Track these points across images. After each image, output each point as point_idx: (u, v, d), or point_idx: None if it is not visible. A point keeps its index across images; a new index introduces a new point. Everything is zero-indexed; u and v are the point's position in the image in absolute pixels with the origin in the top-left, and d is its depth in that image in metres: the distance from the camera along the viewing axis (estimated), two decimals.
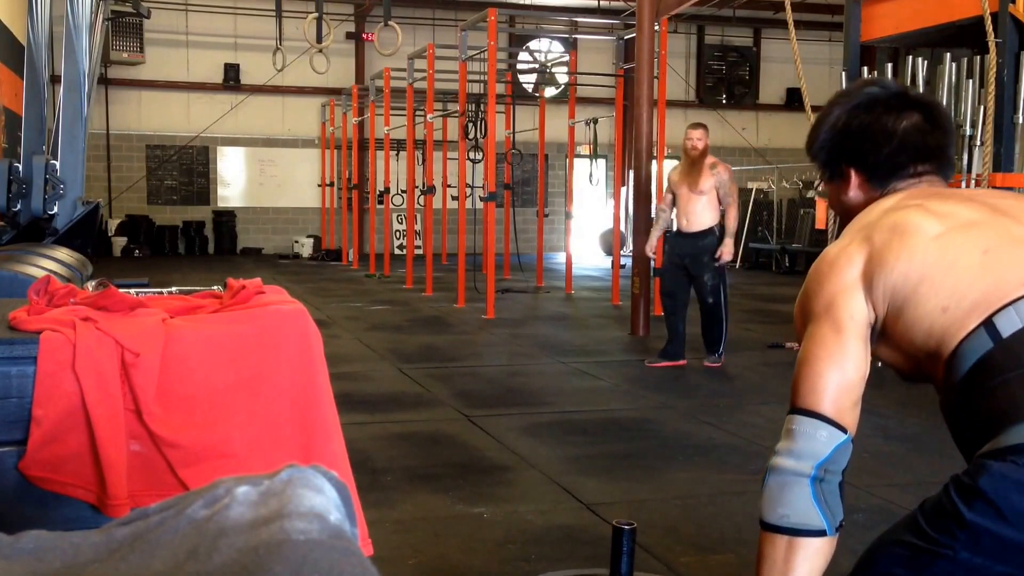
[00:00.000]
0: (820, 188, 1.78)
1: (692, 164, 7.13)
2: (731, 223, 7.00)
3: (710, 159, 7.14)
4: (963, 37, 7.40)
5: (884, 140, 1.68)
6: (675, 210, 7.35)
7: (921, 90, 6.89)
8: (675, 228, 7.44)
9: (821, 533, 1.51)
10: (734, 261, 17.73)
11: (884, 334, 1.56)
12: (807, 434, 1.53)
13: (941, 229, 1.52)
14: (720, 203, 7.07)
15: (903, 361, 1.54)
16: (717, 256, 6.96)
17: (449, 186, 15.65)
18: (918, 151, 1.68)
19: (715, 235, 7.04)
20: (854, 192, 1.73)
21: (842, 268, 1.54)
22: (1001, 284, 1.46)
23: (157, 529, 0.83)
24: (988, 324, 1.44)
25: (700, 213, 7.05)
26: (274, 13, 15.76)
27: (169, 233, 19.49)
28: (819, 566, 1.55)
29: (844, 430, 1.53)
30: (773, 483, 1.57)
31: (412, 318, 9.90)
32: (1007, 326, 1.43)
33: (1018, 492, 1.33)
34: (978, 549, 1.39)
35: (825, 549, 1.54)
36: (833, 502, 1.54)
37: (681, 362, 7.16)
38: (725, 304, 7.19)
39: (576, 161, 14.06)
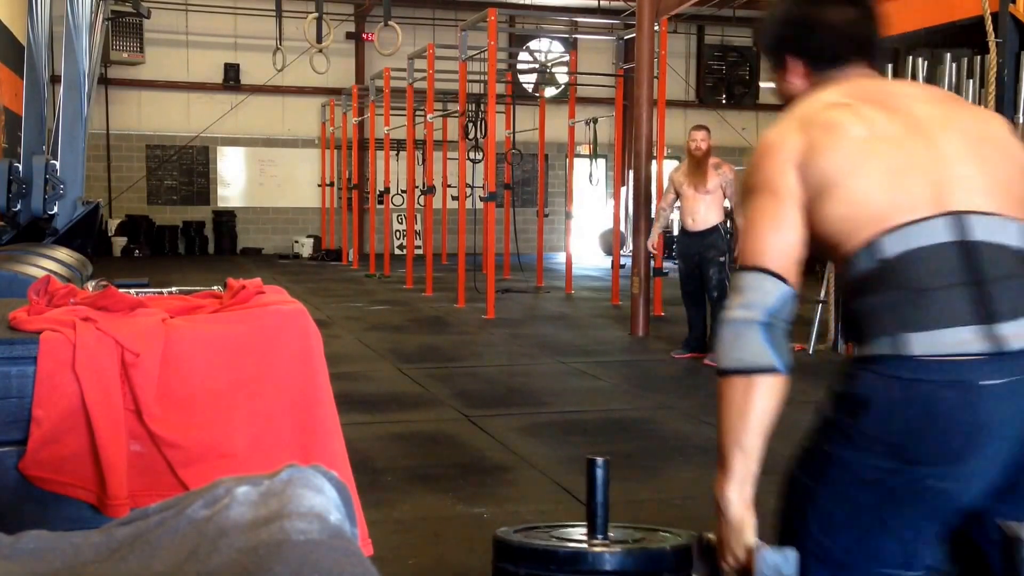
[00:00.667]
0: (782, 83, 1.83)
1: (697, 165, 7.24)
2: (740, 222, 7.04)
3: (714, 159, 7.28)
4: (963, 37, 7.39)
5: (822, 29, 1.84)
6: (677, 210, 7.45)
7: None
8: (679, 228, 7.56)
9: (774, 370, 1.62)
10: (734, 261, 17.75)
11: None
12: (755, 287, 1.66)
13: (864, 135, 1.66)
14: (726, 201, 7.26)
15: (811, 245, 1.71)
16: (735, 254, 7.06)
17: (449, 186, 15.65)
18: (852, 39, 1.83)
19: (720, 232, 7.23)
20: (798, 80, 1.88)
21: (781, 150, 1.69)
22: (896, 207, 1.60)
23: (157, 529, 0.83)
24: (876, 242, 1.60)
25: (706, 212, 7.21)
26: (274, 13, 15.77)
27: (169, 233, 19.49)
28: (775, 401, 1.66)
29: (788, 283, 1.67)
30: (728, 333, 1.66)
31: (412, 318, 9.90)
32: (891, 248, 1.59)
33: (877, 393, 1.55)
34: (854, 446, 1.61)
35: (779, 386, 1.65)
36: (782, 346, 1.66)
37: (702, 355, 7.27)
38: (694, 302, 7.41)
39: (576, 161, 14.06)
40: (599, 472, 1.81)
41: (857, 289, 1.65)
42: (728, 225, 7.47)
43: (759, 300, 1.65)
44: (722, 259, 7.18)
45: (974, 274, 1.57)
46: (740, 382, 1.65)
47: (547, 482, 4.20)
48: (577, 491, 4.05)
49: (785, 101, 1.91)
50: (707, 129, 7.49)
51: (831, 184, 1.64)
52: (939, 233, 1.59)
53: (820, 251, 1.73)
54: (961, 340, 1.54)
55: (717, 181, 7.17)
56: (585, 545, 1.77)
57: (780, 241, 1.68)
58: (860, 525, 1.62)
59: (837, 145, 1.65)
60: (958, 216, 1.60)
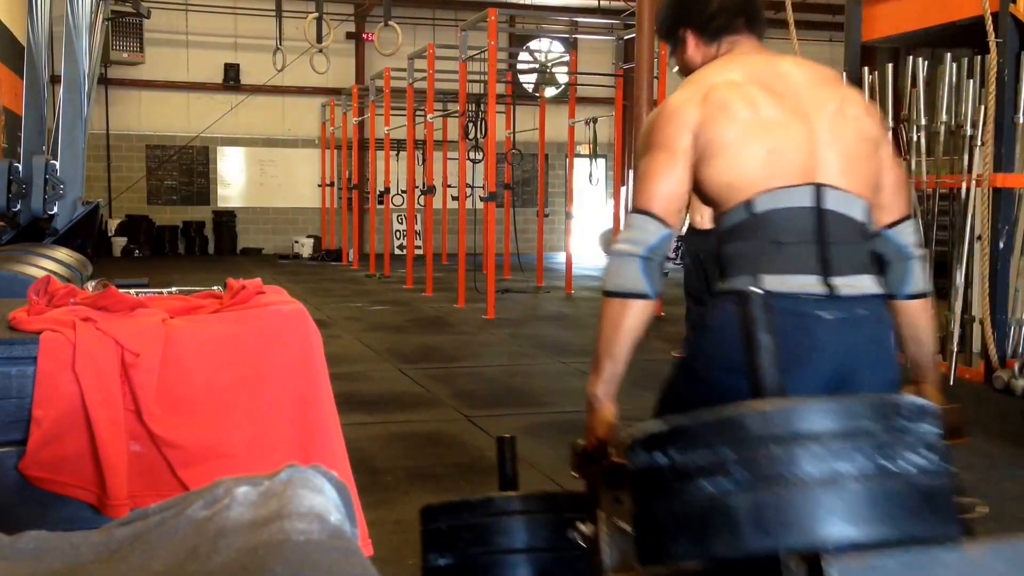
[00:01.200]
0: (675, 70, 1.92)
1: None
2: None
3: None
4: (964, 37, 7.39)
5: (712, 3, 2.14)
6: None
7: (922, 90, 6.89)
8: (687, 226, 7.60)
9: (646, 296, 1.97)
10: None
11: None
12: (640, 227, 1.97)
13: (750, 117, 1.97)
14: None
15: (695, 195, 2.06)
16: None
17: (449, 186, 15.64)
18: (739, 11, 2.13)
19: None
20: (692, 52, 2.17)
21: (681, 116, 1.99)
22: (771, 175, 1.95)
23: (157, 529, 0.83)
24: (751, 200, 1.95)
25: (705, 211, 7.20)
26: (274, 13, 15.77)
27: (169, 233, 19.49)
28: (642, 321, 2.02)
29: (669, 226, 1.97)
30: (613, 262, 1.99)
31: (412, 318, 9.90)
32: (762, 205, 1.94)
33: (731, 320, 1.70)
34: (708, 362, 2.01)
35: (648, 309, 2.01)
36: (655, 277, 1.98)
37: None
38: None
39: (576, 161, 14.06)
40: (507, 447, 2.12)
41: (729, 236, 2.00)
42: None
43: (642, 238, 1.96)
44: None
45: (821, 236, 1.94)
46: (617, 303, 1.99)
47: (547, 482, 4.19)
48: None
49: (685, 74, 2.18)
50: None
51: (717, 153, 1.96)
52: (802, 199, 1.95)
53: (704, 202, 2.08)
54: (804, 284, 1.92)
55: None
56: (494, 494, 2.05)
57: (668, 191, 1.98)
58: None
59: (727, 123, 1.96)
60: (818, 187, 1.95)
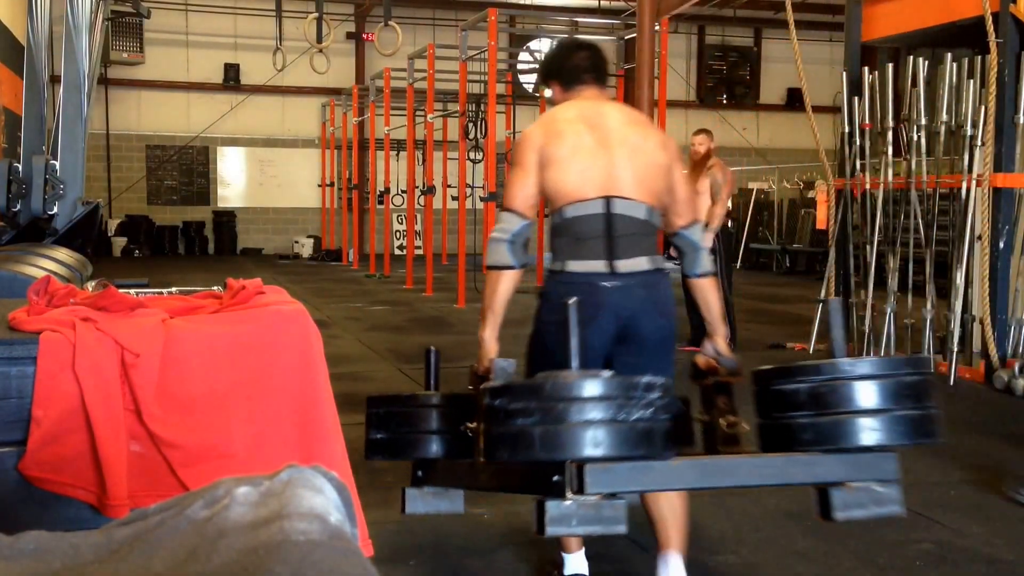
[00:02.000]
0: (551, 97, 2.60)
1: (694, 167, 7.46)
2: (712, 220, 7.33)
3: (713, 160, 7.44)
4: (964, 37, 7.39)
5: (569, 65, 3.08)
6: None
7: (922, 90, 6.89)
8: None
9: (512, 267, 2.87)
10: (733, 261, 17.74)
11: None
12: (507, 220, 2.87)
13: (573, 144, 2.85)
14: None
15: (541, 194, 2.91)
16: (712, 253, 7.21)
17: (449, 186, 15.64)
18: (584, 71, 3.06)
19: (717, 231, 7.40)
20: (557, 95, 3.10)
21: (531, 141, 2.89)
22: (577, 191, 2.82)
23: (157, 530, 0.82)
24: (565, 207, 2.85)
25: (698, 212, 7.31)
26: (274, 13, 15.76)
27: (169, 233, 19.49)
28: (511, 284, 2.89)
29: (527, 218, 2.88)
30: (491, 245, 2.90)
31: (412, 318, 9.89)
32: (570, 213, 2.84)
33: (556, 290, 2.83)
34: (547, 316, 2.93)
35: (515, 276, 2.88)
36: (519, 254, 2.88)
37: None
38: (725, 295, 7.38)
39: None
40: (432, 358, 3.04)
41: (554, 233, 2.93)
42: (729, 226, 7.56)
43: (508, 227, 2.87)
44: (712, 255, 7.31)
45: (609, 232, 2.84)
46: (494, 273, 2.90)
47: None
48: None
49: (553, 105, 3.11)
50: (706, 133, 7.70)
51: (548, 166, 2.85)
52: (596, 208, 2.83)
53: (546, 202, 2.95)
54: (594, 266, 2.84)
55: (707, 181, 7.37)
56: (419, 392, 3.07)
57: (524, 194, 2.87)
58: (553, 353, 2.78)
59: (559, 145, 2.85)
60: (609, 199, 2.83)
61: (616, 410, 2.10)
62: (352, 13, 19.84)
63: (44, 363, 1.96)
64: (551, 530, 2.15)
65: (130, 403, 1.99)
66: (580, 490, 2.12)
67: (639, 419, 2.13)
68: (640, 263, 2.88)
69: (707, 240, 7.23)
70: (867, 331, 7.36)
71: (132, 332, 2.03)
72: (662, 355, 2.99)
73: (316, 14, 14.29)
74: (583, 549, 3.09)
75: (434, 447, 2.92)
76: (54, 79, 6.70)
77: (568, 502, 2.13)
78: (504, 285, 2.89)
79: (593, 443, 2.09)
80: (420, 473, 2.98)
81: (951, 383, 6.51)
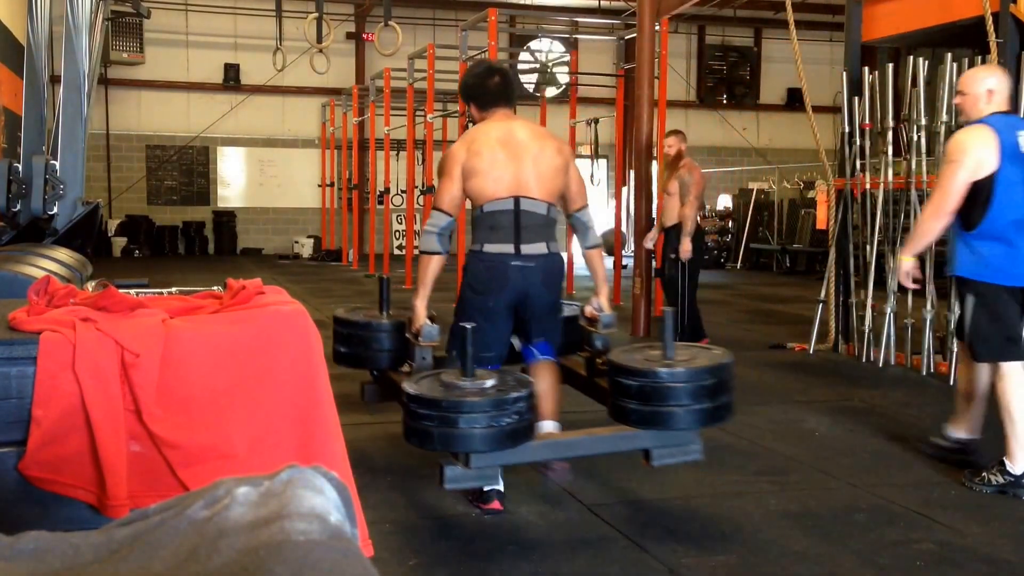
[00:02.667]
0: (470, 116, 4.16)
1: (668, 167, 7.75)
2: (684, 222, 7.52)
3: (685, 161, 7.63)
4: (964, 37, 7.39)
5: (484, 90, 4.03)
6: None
7: (922, 90, 6.89)
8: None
9: (440, 253, 3.90)
10: (734, 261, 17.76)
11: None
12: (438, 216, 3.89)
13: (489, 157, 3.86)
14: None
15: (465, 196, 3.93)
16: (673, 253, 7.61)
17: None
18: (497, 95, 4.02)
19: (678, 231, 7.58)
20: (476, 114, 4.07)
21: (456, 155, 3.88)
22: (492, 193, 3.83)
23: (157, 530, 0.82)
24: (485, 205, 3.86)
25: (670, 212, 7.74)
26: (274, 13, 15.76)
27: (169, 233, 19.49)
28: (438, 267, 3.92)
29: (451, 216, 3.92)
30: (424, 236, 3.92)
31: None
32: (487, 209, 3.85)
33: (475, 265, 3.92)
34: (468, 288, 3.98)
35: (441, 260, 3.91)
36: (445, 243, 3.88)
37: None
38: (683, 298, 7.67)
39: (577, 161, 14.05)
40: (384, 286, 4.28)
41: (475, 224, 3.92)
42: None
43: (438, 223, 3.89)
44: (673, 255, 7.60)
45: (517, 224, 3.86)
46: (426, 257, 3.91)
47: (547, 482, 4.19)
48: (577, 491, 4.05)
49: (475, 123, 4.08)
50: (678, 134, 7.88)
51: (470, 176, 3.87)
52: (508, 205, 3.86)
53: (469, 201, 3.95)
54: (505, 248, 3.84)
55: (676, 183, 7.56)
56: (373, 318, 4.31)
57: (450, 197, 3.91)
58: (472, 311, 3.89)
59: (478, 163, 3.86)
60: (518, 198, 3.86)
61: (491, 420, 3.13)
62: (352, 13, 19.84)
63: (44, 363, 1.96)
64: (448, 486, 3.34)
65: (130, 403, 1.99)
66: (467, 465, 3.27)
67: (508, 423, 3.16)
68: (540, 248, 3.96)
69: (685, 244, 7.43)
70: (867, 331, 7.36)
71: (132, 332, 2.03)
72: (549, 320, 4.13)
73: (316, 14, 14.29)
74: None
75: (384, 361, 4.29)
76: (54, 79, 6.69)
77: (460, 469, 3.28)
78: (433, 266, 3.97)
79: (475, 442, 3.16)
80: (375, 374, 4.46)
81: (951, 383, 6.51)
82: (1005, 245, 4.13)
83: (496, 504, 3.72)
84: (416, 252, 3.96)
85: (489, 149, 3.88)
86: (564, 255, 3.93)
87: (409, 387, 3.23)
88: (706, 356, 3.55)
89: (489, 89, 4.02)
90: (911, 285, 4.56)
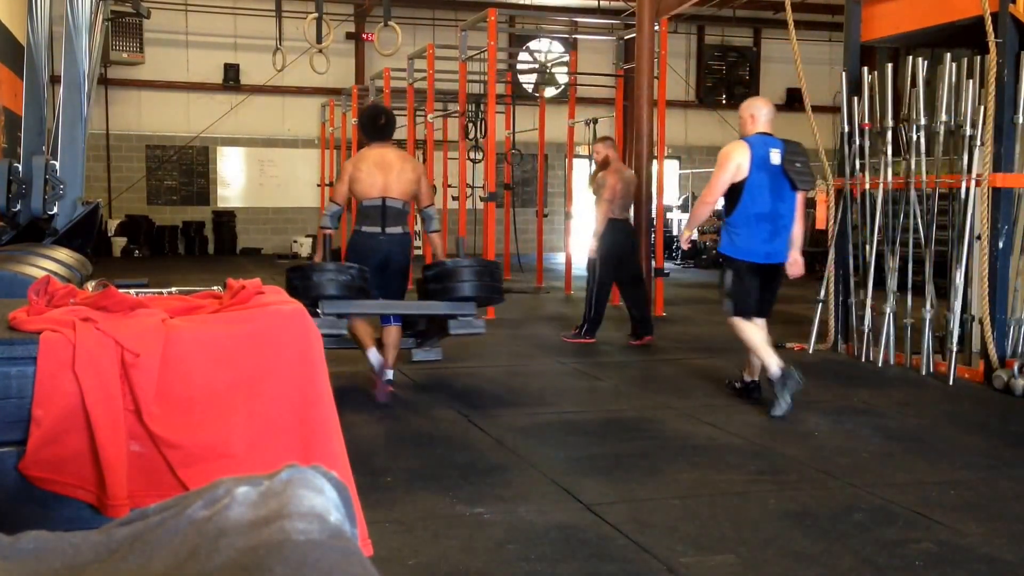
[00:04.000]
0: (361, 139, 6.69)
1: (598, 172, 8.18)
2: (594, 223, 7.96)
3: (610, 167, 8.09)
4: (963, 37, 7.39)
5: (370, 126, 6.02)
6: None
7: (921, 90, 6.89)
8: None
9: (331, 229, 6.00)
10: (621, 263, 17.69)
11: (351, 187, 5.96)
12: (332, 206, 6.08)
13: (367, 169, 5.88)
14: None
15: (351, 194, 5.98)
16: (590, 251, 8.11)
17: (449, 186, 15.64)
18: (378, 131, 6.00)
19: (603, 232, 7.95)
20: (364, 141, 6.06)
21: (347, 169, 5.99)
22: (367, 194, 5.88)
23: (157, 529, 0.83)
24: (363, 201, 5.92)
25: (597, 214, 8.13)
26: (274, 13, 15.74)
27: (169, 233, 19.48)
28: (331, 237, 6.04)
29: (340, 206, 6.10)
30: (323, 218, 6.06)
31: None
32: (365, 203, 5.91)
33: (356, 238, 5.96)
34: (352, 253, 5.95)
35: (332, 233, 6.02)
36: (335, 222, 6.03)
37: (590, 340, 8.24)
38: (590, 291, 8.22)
39: (576, 161, 14.05)
40: (326, 242, 6.01)
41: (358, 213, 5.96)
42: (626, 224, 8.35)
43: (332, 209, 6.06)
44: (593, 256, 8.04)
45: (384, 213, 5.87)
46: (322, 231, 6.02)
47: (547, 482, 4.20)
48: (577, 491, 4.05)
49: (362, 144, 6.19)
50: (605, 140, 8.38)
51: (354, 182, 5.89)
52: (377, 202, 5.87)
53: (355, 198, 6.00)
54: (375, 229, 5.87)
55: (595, 187, 8.11)
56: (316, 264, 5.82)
57: (342, 193, 6.02)
58: (354, 261, 5.78)
59: (360, 173, 5.87)
60: (384, 198, 5.86)
61: (335, 275, 5.45)
62: (352, 13, 19.83)
63: (44, 363, 1.96)
64: (322, 331, 4.11)
65: (130, 403, 1.99)
66: (321, 314, 5.28)
67: (344, 280, 5.45)
68: (398, 229, 5.95)
69: (591, 243, 7.99)
70: (866, 331, 7.36)
71: (132, 332, 2.03)
72: (400, 276, 6.05)
73: (316, 14, 14.28)
74: (374, 347, 5.89)
75: (327, 291, 5.45)
76: (54, 79, 6.69)
77: (319, 318, 5.09)
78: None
79: (323, 289, 5.40)
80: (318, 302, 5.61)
81: (950, 383, 6.52)
82: (748, 231, 5.65)
83: (379, 383, 5.79)
84: (320, 227, 6.15)
85: (367, 166, 5.90)
86: (422, 237, 5.68)
87: (291, 266, 5.89)
88: (482, 260, 6.41)
89: (376, 127, 6.02)
90: (687, 246, 6.36)
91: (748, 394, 5.92)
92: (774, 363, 5.51)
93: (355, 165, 5.91)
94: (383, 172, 5.85)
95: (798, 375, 5.44)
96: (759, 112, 5.71)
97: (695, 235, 7.59)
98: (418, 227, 11.32)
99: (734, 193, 5.61)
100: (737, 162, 5.55)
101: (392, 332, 6.03)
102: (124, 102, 19.16)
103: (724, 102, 22.76)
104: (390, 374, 5.95)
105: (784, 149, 5.67)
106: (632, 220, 8.56)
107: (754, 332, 5.69)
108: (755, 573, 3.20)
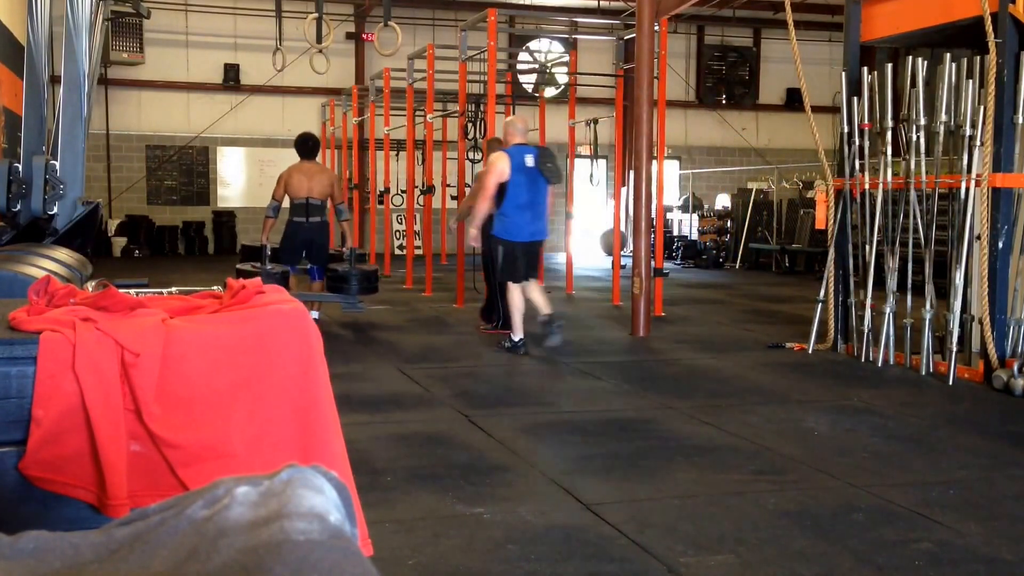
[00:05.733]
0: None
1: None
2: (473, 213, 8.37)
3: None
4: (963, 37, 7.39)
5: (304, 147, 8.95)
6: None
7: (921, 90, 6.89)
8: None
9: (273, 217, 8.93)
10: (733, 261, 17.75)
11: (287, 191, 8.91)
12: (272, 202, 8.90)
13: (297, 176, 8.76)
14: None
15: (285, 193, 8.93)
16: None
17: (449, 186, 15.64)
18: (307, 150, 8.94)
19: (491, 222, 8.16)
20: (299, 156, 8.96)
21: (283, 175, 8.86)
22: (298, 194, 8.78)
23: (157, 529, 0.83)
24: (293, 199, 8.83)
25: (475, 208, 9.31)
26: (274, 13, 15.75)
27: (169, 233, 19.48)
28: (271, 224, 8.91)
29: (278, 202, 8.88)
30: (267, 210, 9.00)
31: (412, 318, 9.90)
32: (296, 201, 8.82)
33: (289, 227, 8.98)
34: (285, 238, 9.09)
35: (274, 220, 8.93)
36: (275, 212, 8.91)
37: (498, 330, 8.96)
38: (492, 283, 8.82)
39: (576, 161, 14.05)
40: (266, 250, 8.83)
41: (291, 208, 8.85)
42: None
43: (272, 206, 8.90)
44: (474, 244, 8.69)
45: (308, 209, 8.80)
46: (267, 219, 8.92)
47: (547, 482, 4.20)
48: (577, 491, 4.05)
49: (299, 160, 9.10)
50: (492, 142, 9.13)
51: (289, 187, 8.76)
52: (303, 200, 8.78)
53: (288, 197, 8.85)
54: (301, 219, 8.84)
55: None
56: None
57: (280, 191, 8.81)
58: (287, 251, 8.98)
59: (291, 178, 8.76)
60: (307, 197, 8.77)
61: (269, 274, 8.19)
62: (352, 13, 19.83)
63: (44, 363, 1.96)
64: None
65: (130, 403, 1.99)
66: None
67: (276, 277, 8.08)
68: (318, 219, 8.76)
69: (472, 234, 8.62)
70: (866, 331, 7.36)
71: (132, 332, 2.03)
72: (323, 250, 8.90)
73: (316, 14, 14.28)
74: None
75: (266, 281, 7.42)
76: (54, 79, 6.69)
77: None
78: (269, 224, 8.79)
79: (295, 259, 9.06)
80: None
81: (950, 383, 6.52)
82: (515, 218, 7.62)
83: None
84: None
85: (297, 174, 8.70)
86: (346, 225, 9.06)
87: (241, 265, 8.67)
88: (366, 267, 9.33)
89: (306, 148, 8.87)
90: (477, 244, 8.11)
91: (515, 350, 7.57)
92: (544, 309, 7.67)
93: (289, 174, 8.74)
94: (308, 179, 8.70)
95: (558, 316, 7.76)
96: (515, 129, 7.74)
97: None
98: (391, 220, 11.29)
99: (502, 190, 7.57)
100: (501, 168, 7.54)
101: (316, 285, 9.01)
102: (124, 102, 19.16)
103: (724, 102, 22.76)
104: (316, 315, 8.62)
105: (537, 154, 7.64)
106: None
107: (519, 296, 7.66)
108: (755, 573, 3.21)
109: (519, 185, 7.51)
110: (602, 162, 15.63)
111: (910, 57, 7.06)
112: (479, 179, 8.99)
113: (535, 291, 7.76)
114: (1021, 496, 4.12)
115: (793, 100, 22.17)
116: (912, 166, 7.01)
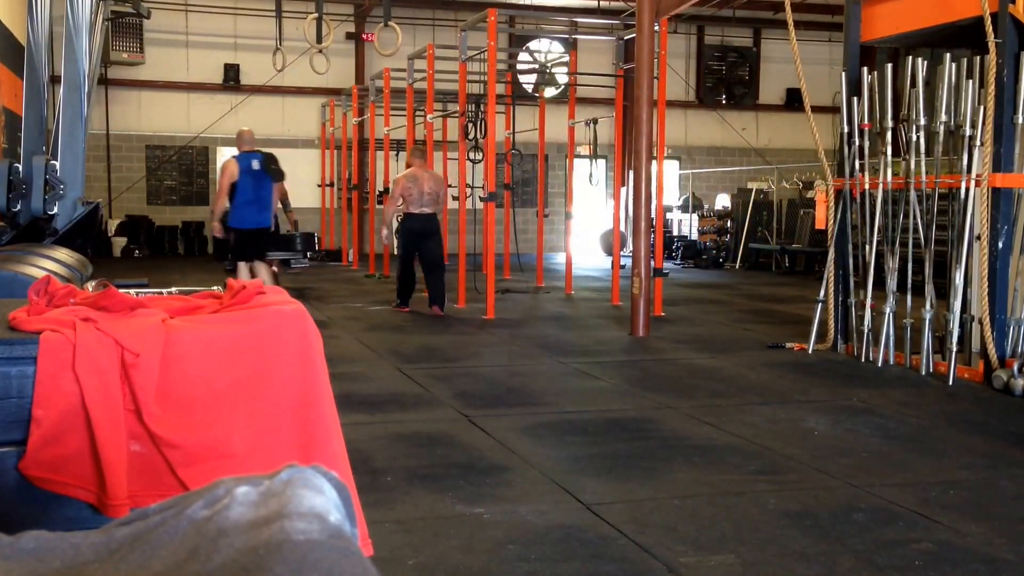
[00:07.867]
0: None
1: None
2: (383, 215, 11.22)
3: (407, 172, 10.30)
4: (963, 37, 7.39)
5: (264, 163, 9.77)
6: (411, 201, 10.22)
7: (921, 90, 6.89)
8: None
9: (226, 209, 9.87)
10: (733, 261, 17.76)
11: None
12: (221, 197, 9.56)
13: (244, 177, 9.37)
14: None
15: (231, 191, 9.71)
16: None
17: (449, 186, 15.61)
18: (265, 167, 9.68)
19: (387, 223, 10.88)
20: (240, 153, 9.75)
21: (225, 174, 9.43)
22: (246, 194, 9.55)
23: (157, 529, 0.83)
24: (233, 192, 9.60)
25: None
26: (274, 13, 15.76)
27: (169, 233, 19.48)
28: (220, 212, 9.74)
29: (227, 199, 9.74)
30: (217, 207, 9.71)
31: (412, 318, 9.90)
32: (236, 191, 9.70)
33: (237, 227, 9.60)
34: (237, 232, 9.68)
35: (223, 210, 9.73)
36: (225, 207, 9.69)
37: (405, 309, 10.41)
38: (398, 271, 10.55)
39: (576, 161, 14.05)
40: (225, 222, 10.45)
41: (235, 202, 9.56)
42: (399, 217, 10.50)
43: (221, 204, 9.58)
44: (387, 242, 11.82)
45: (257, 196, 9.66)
46: (217, 208, 9.78)
47: (547, 482, 4.20)
48: (577, 491, 4.05)
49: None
50: (413, 150, 10.74)
51: (232, 181, 9.33)
52: (252, 199, 9.56)
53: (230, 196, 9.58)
54: (250, 217, 9.48)
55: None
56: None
57: (226, 192, 9.41)
58: (240, 242, 9.68)
59: (236, 174, 9.34)
60: (257, 197, 9.71)
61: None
62: (352, 13, 19.83)
63: (44, 363, 1.96)
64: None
65: (130, 403, 1.99)
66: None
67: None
68: (268, 215, 9.59)
69: (383, 232, 10.96)
70: (866, 331, 7.37)
71: (132, 332, 2.03)
72: (269, 237, 9.69)
73: (316, 14, 14.29)
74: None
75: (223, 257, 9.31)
76: (54, 79, 6.70)
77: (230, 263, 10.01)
78: (218, 210, 9.58)
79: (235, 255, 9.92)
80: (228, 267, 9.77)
81: (950, 383, 6.52)
82: (242, 211, 9.45)
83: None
84: (218, 211, 9.44)
85: (244, 175, 9.29)
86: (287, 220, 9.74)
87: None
88: (301, 234, 12.54)
89: (268, 162, 9.61)
90: (221, 235, 9.87)
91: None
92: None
93: (232, 174, 9.45)
94: (256, 180, 9.52)
95: None
96: (243, 140, 9.65)
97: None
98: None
99: (233, 189, 9.43)
100: (231, 171, 9.44)
101: (267, 263, 10.12)
102: (124, 102, 19.16)
103: (724, 102, 22.76)
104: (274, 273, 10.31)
105: (262, 158, 9.57)
106: (429, 214, 10.10)
107: (247, 273, 9.43)
108: (755, 573, 3.21)
109: (246, 185, 9.47)
110: (602, 162, 15.63)
111: (910, 57, 7.07)
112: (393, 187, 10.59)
113: (262, 269, 9.66)
114: (1021, 496, 4.12)
115: (793, 100, 22.17)
116: (912, 166, 7.01)
